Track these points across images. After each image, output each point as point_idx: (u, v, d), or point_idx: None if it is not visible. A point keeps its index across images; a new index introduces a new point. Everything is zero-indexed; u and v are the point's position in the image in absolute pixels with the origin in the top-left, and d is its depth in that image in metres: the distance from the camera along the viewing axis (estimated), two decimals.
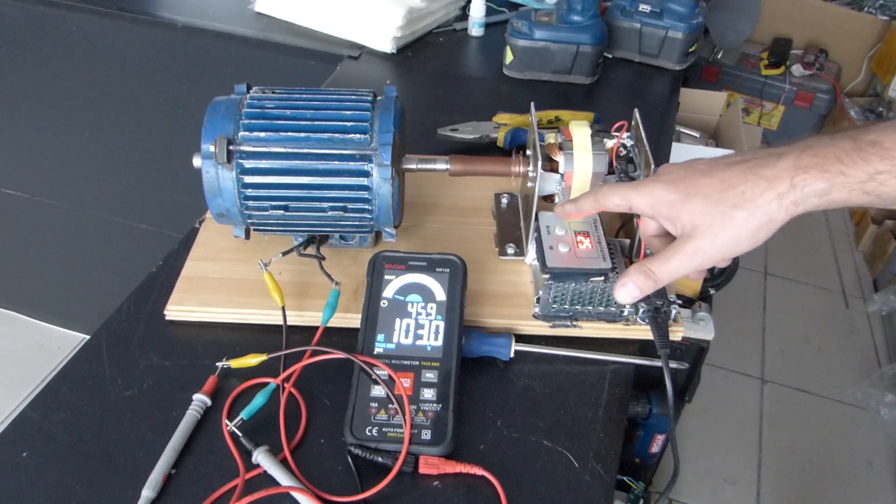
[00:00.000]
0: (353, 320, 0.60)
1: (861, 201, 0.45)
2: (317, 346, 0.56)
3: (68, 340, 1.83)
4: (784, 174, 0.45)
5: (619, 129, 0.64)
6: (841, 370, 1.87)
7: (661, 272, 0.50)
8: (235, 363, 0.56)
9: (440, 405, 0.51)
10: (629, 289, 0.51)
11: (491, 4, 1.21)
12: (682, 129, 1.56)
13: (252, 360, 0.56)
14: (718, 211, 0.47)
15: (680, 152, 1.24)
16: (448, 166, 0.65)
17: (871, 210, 2.22)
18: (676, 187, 0.49)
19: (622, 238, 0.65)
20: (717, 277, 1.00)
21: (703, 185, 0.48)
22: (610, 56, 1.11)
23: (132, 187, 1.45)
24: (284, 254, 0.62)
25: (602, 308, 0.60)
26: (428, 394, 0.52)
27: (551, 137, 0.63)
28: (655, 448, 1.08)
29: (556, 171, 0.62)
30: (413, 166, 0.64)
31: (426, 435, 0.50)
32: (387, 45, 1.08)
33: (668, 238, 0.53)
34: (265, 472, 0.49)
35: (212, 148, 0.57)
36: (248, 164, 0.58)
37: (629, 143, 0.64)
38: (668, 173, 0.51)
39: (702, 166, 0.50)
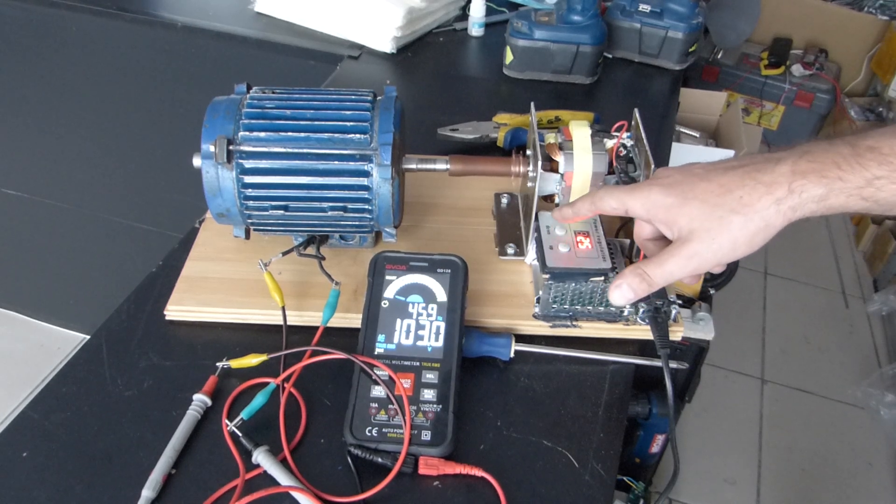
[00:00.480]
0: (353, 320, 0.60)
1: (859, 207, 0.45)
2: (317, 346, 0.56)
3: (68, 340, 1.83)
4: (782, 179, 0.45)
5: (619, 129, 0.64)
6: (841, 370, 1.87)
7: (656, 275, 0.50)
8: (235, 363, 0.56)
9: (440, 406, 0.51)
10: (623, 290, 0.51)
11: (491, 4, 1.20)
12: (682, 129, 1.56)
13: (252, 360, 0.56)
14: (716, 216, 0.47)
15: (680, 152, 1.24)
16: (448, 166, 0.65)
17: None
18: (673, 191, 0.49)
19: (622, 238, 0.65)
20: (717, 277, 1.00)
21: (701, 190, 0.48)
22: (610, 56, 1.11)
23: (132, 187, 1.45)
24: (284, 254, 0.62)
25: (602, 308, 0.60)
26: (428, 394, 0.52)
27: (551, 137, 0.63)
28: (655, 448, 1.08)
29: (556, 171, 0.62)
30: (413, 166, 0.64)
31: (426, 436, 0.50)
32: (387, 45, 1.08)
33: (663, 242, 0.53)
34: (265, 472, 0.49)
35: (212, 148, 0.57)
36: (248, 164, 0.58)
37: (629, 143, 0.64)
38: (664, 177, 0.51)
39: (699, 170, 0.49)
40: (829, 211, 0.45)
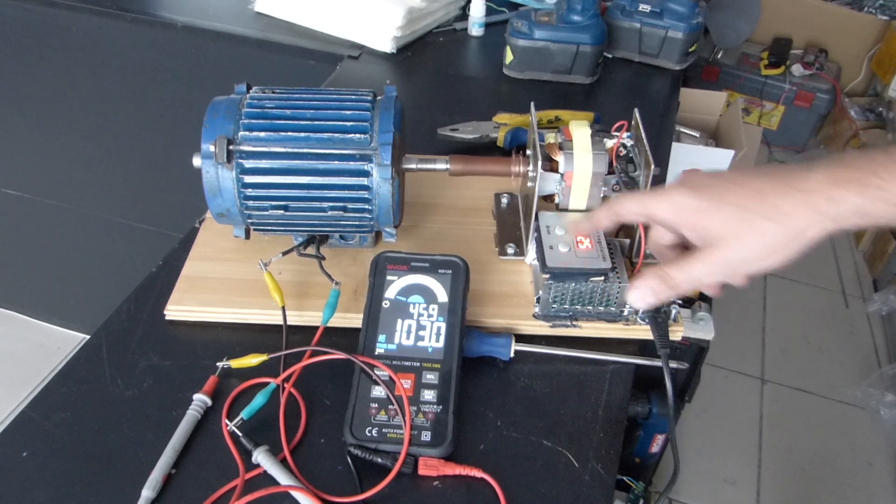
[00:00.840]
0: (353, 320, 0.60)
1: None
2: (317, 346, 0.56)
3: (68, 340, 1.83)
4: (820, 188, 0.43)
5: (619, 129, 0.64)
6: (841, 370, 1.87)
7: (679, 278, 0.48)
8: (236, 363, 0.56)
9: (440, 407, 0.51)
10: (643, 292, 0.49)
11: (491, 4, 1.20)
12: (682, 129, 1.56)
13: (252, 360, 0.56)
14: (748, 220, 0.44)
15: (680, 152, 1.24)
16: (448, 166, 0.65)
17: None
18: (703, 194, 0.46)
19: (622, 238, 0.65)
20: None
21: (734, 194, 0.45)
22: (610, 56, 1.11)
23: (132, 187, 1.45)
24: (284, 254, 0.62)
25: (602, 308, 0.60)
26: (428, 395, 0.52)
27: (551, 137, 0.63)
28: (655, 448, 1.08)
29: (556, 170, 0.62)
30: (413, 166, 0.64)
31: (426, 436, 0.50)
32: (387, 45, 1.08)
33: (682, 249, 0.51)
34: (265, 471, 0.49)
35: (212, 148, 0.57)
36: (248, 163, 0.58)
37: (629, 142, 0.64)
38: (690, 180, 0.48)
39: (729, 175, 0.48)
40: (869, 221, 0.42)
